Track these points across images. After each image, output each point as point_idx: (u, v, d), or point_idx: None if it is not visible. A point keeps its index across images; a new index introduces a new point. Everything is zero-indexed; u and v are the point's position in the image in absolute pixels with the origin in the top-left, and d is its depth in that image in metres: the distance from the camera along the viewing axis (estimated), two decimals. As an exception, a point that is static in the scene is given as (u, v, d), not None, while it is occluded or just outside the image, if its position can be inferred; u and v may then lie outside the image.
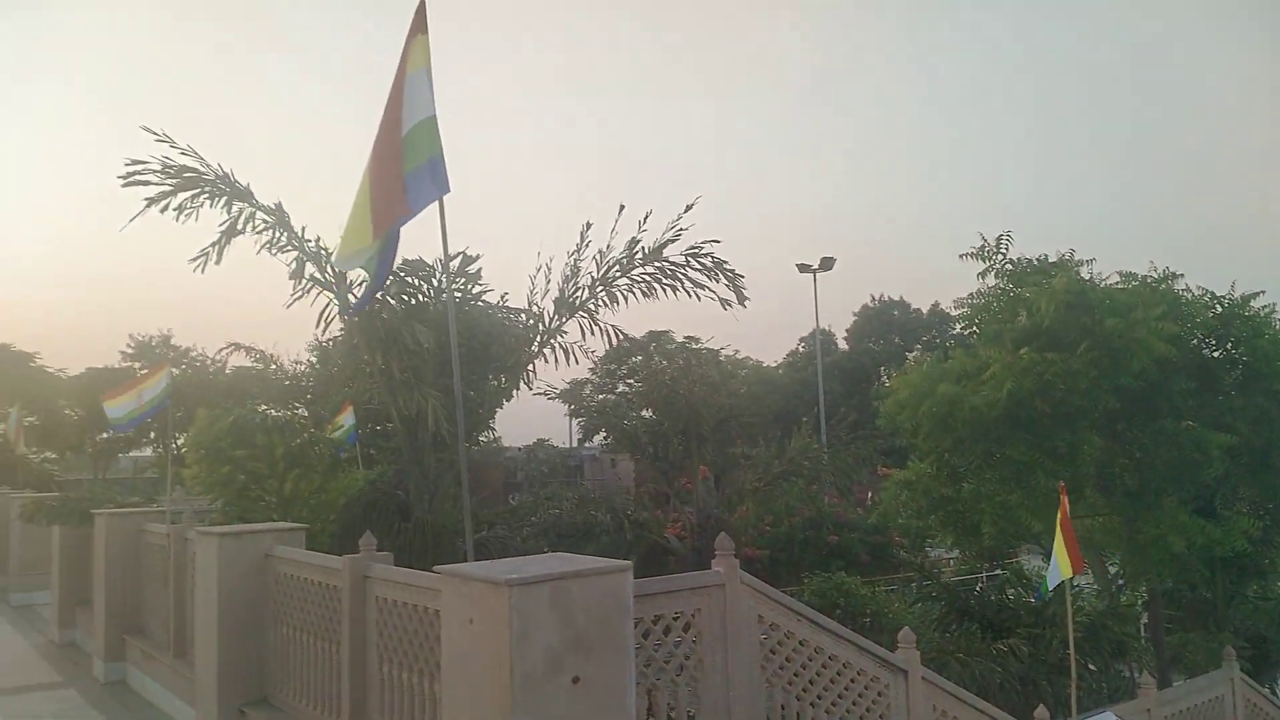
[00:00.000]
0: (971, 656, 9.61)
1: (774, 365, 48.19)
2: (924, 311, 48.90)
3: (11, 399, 32.69)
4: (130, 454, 42.01)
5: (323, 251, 8.49)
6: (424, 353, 7.65)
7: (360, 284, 7.85)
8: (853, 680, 5.84)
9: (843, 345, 50.07)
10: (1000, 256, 11.96)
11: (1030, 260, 11.98)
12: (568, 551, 4.63)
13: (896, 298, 50.22)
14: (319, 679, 6.09)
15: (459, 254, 9.01)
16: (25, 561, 14.87)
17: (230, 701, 6.77)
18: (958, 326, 16.41)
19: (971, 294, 12.31)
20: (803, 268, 32.72)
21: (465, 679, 4.03)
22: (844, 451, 16.85)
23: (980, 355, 11.34)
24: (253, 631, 6.84)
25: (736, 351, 40.85)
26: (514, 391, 10.02)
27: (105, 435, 33.32)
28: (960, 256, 12.16)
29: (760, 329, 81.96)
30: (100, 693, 9.25)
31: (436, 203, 5.58)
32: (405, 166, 5.49)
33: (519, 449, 41.15)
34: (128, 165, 7.58)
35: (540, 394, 14.51)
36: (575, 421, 41.60)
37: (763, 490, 15.47)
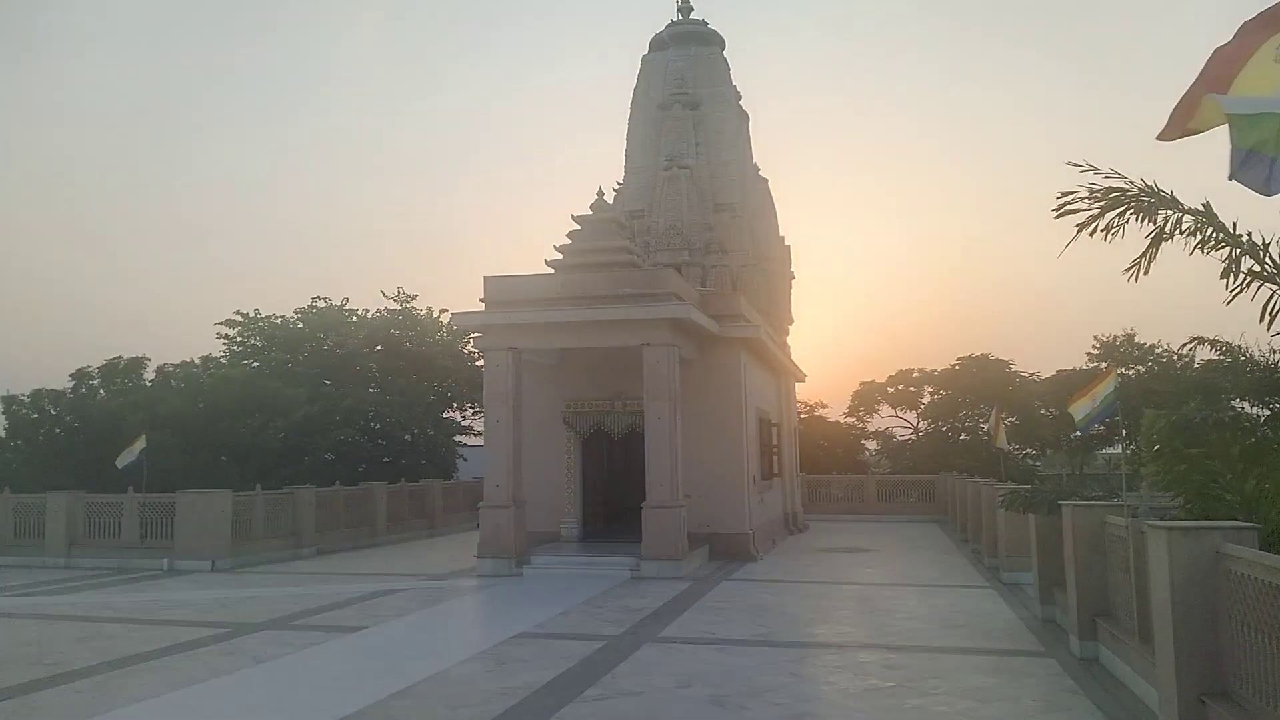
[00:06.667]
0: None
1: None
2: None
3: (992, 400, 37.35)
4: (1103, 451, 43.77)
5: (1259, 245, 8.11)
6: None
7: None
8: None
9: None
10: None
11: None
12: None
13: None
14: (1274, 677, 6.04)
15: None
16: (1010, 544, 17.11)
17: (1189, 689, 7.09)
18: None
19: None
20: None
21: None
22: None
23: None
24: (1205, 623, 7.04)
25: None
26: None
27: (1075, 435, 35.45)
28: None
29: None
30: (1075, 666, 10.33)
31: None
32: None
33: None
34: (1058, 198, 8.49)
35: None
36: None
37: None
